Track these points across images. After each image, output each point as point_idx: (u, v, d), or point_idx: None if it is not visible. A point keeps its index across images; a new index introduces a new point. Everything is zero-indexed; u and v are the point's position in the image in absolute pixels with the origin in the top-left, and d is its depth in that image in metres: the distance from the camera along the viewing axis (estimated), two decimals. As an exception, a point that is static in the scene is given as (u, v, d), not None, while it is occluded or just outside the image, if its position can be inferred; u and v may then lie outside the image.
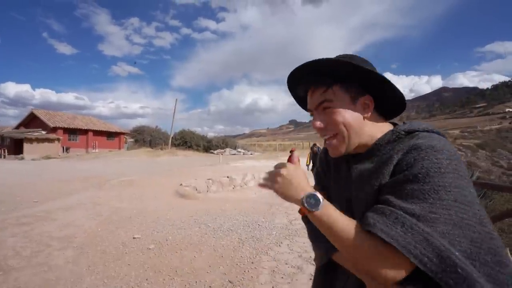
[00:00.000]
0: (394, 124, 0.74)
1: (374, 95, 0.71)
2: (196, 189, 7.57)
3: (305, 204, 0.61)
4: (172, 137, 28.63)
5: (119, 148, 30.10)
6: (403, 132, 0.67)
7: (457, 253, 0.50)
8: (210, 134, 34.95)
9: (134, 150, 25.79)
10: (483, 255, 0.52)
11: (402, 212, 0.54)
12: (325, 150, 0.86)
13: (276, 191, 0.66)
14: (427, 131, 0.66)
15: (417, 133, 0.66)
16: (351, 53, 0.79)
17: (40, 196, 6.29)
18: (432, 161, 0.56)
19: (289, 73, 0.75)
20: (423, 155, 0.57)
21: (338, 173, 0.80)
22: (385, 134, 0.69)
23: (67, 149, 25.92)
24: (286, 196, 0.65)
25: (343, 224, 0.59)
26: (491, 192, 4.93)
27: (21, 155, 21.44)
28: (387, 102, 0.73)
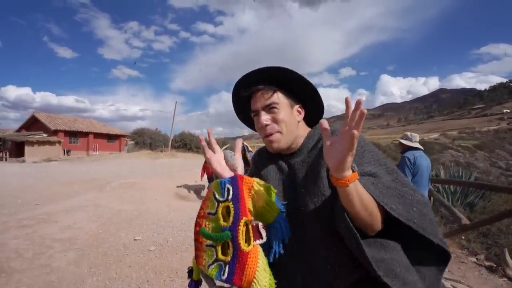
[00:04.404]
0: None
1: (304, 106, 0.90)
2: (197, 191, 7.60)
3: (356, 168, 0.61)
4: (172, 140, 28.63)
5: (120, 151, 30.08)
6: None
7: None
8: (210, 136, 34.91)
9: (135, 153, 25.78)
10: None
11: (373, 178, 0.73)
12: (258, 153, 1.01)
13: (351, 149, 0.56)
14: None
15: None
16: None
17: (41, 198, 6.31)
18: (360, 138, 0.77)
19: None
20: None
21: (271, 172, 0.91)
22: (309, 132, 0.89)
23: (68, 152, 25.90)
24: (347, 157, 0.57)
25: (364, 191, 0.64)
26: (489, 193, 4.95)
27: (22, 157, 21.41)
28: (312, 113, 0.91)
